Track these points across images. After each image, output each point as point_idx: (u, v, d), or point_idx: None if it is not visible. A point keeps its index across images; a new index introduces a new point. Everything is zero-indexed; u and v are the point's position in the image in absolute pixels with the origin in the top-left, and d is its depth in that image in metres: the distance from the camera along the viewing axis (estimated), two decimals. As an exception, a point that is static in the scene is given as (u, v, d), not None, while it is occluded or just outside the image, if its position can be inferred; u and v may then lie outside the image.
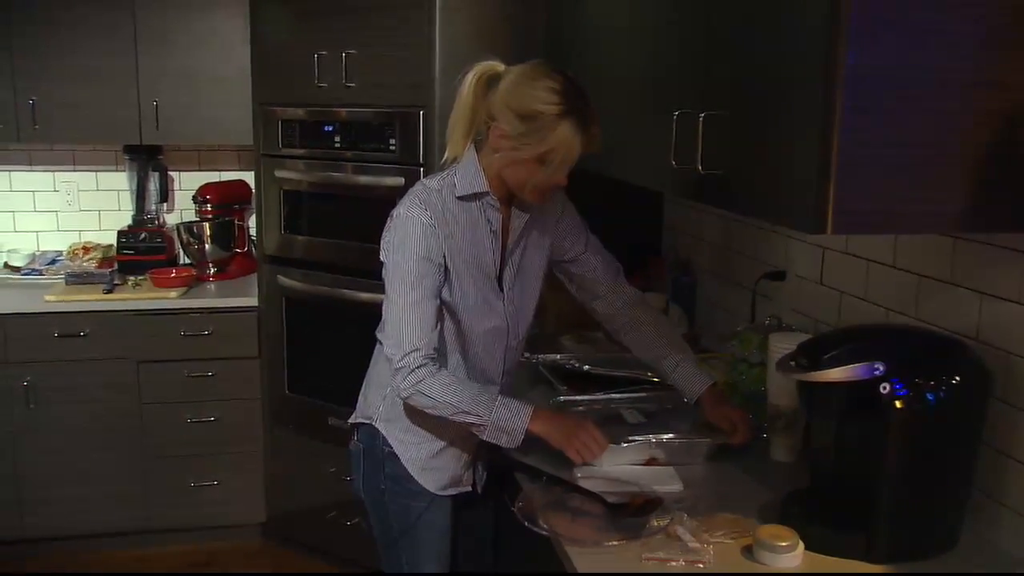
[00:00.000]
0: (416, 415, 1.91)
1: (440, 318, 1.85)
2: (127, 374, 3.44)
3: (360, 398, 2.05)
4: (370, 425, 1.99)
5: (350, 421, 2.07)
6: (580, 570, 1.54)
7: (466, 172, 1.86)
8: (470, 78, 1.82)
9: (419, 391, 1.78)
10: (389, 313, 1.82)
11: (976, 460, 1.59)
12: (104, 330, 3.40)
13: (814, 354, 1.57)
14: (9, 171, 3.87)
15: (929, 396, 1.51)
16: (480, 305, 1.90)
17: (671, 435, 1.96)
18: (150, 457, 3.51)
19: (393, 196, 2.68)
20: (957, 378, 1.53)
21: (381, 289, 1.88)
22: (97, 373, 3.41)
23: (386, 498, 2.00)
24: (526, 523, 1.71)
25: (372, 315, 1.99)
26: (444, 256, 1.83)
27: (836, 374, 1.53)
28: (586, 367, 2.31)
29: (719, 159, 1.63)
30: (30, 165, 3.87)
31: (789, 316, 2.23)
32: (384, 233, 1.86)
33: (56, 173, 3.91)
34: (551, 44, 2.84)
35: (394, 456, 1.96)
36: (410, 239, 1.80)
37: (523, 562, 2.07)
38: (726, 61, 1.63)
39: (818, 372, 1.54)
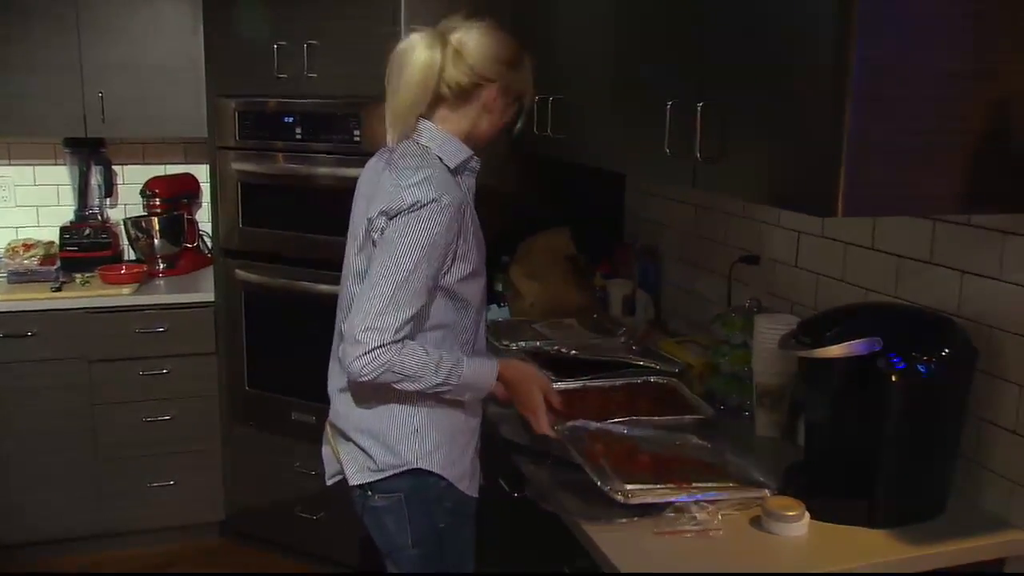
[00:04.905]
0: (454, 432, 1.85)
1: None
2: (79, 374, 3.34)
3: (376, 451, 1.82)
4: (412, 470, 1.82)
5: (366, 481, 1.84)
6: (602, 548, 1.59)
7: (441, 143, 1.82)
8: (436, 45, 1.77)
9: (390, 370, 1.68)
10: (376, 287, 1.68)
11: (963, 427, 1.70)
12: (53, 329, 3.29)
13: (816, 332, 1.65)
14: (-60, 167, 3.71)
15: (921, 369, 1.61)
16: (484, 284, 1.90)
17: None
18: (104, 458, 3.42)
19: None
20: (946, 351, 1.63)
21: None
22: (47, 374, 3.30)
23: (444, 537, 1.87)
24: (539, 503, 1.74)
25: (334, 308, 1.93)
26: (461, 243, 1.77)
27: (838, 350, 1.61)
28: (573, 352, 2.35)
29: (719, 147, 1.69)
30: (-39, 160, 3.72)
31: (764, 299, 2.32)
32: (409, 209, 1.69)
33: (-11, 168, 3.76)
34: (519, 32, 2.86)
35: (451, 486, 1.84)
36: (436, 225, 1.70)
37: (525, 546, 2.11)
38: (727, 50, 1.68)
39: (822, 349, 1.62)
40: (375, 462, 1.83)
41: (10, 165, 3.78)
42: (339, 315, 1.93)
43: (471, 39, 1.80)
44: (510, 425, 2.11)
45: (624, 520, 1.67)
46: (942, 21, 1.40)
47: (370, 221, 1.77)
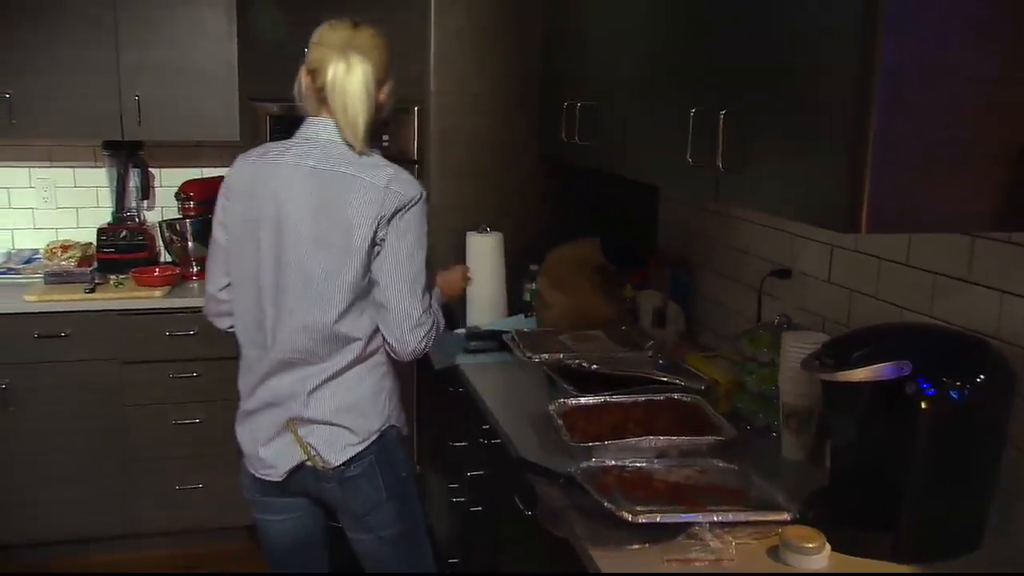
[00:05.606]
0: (399, 389, 2.14)
1: None
2: (110, 375, 3.36)
3: (357, 424, 2.01)
4: (381, 430, 2.05)
5: (348, 457, 2.00)
6: (607, 573, 1.52)
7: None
8: (370, 70, 1.96)
9: (434, 335, 2.03)
10: (411, 276, 1.95)
11: (1001, 458, 1.59)
12: (87, 330, 3.32)
13: (841, 353, 1.56)
14: (-17, 167, 3.77)
15: (954, 395, 1.51)
16: None
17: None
18: (133, 460, 3.44)
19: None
20: (982, 376, 1.53)
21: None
22: (79, 374, 3.33)
23: (406, 483, 2.12)
24: (547, 526, 1.68)
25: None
26: None
27: (863, 374, 1.51)
28: (594, 366, 2.28)
29: (741, 157, 1.62)
30: (4, 161, 3.77)
31: (795, 315, 2.22)
32: (413, 202, 1.95)
33: (32, 169, 3.81)
34: (551, 37, 2.82)
35: (399, 435, 2.11)
36: (426, 213, 2.01)
37: (535, 564, 2.04)
38: (750, 55, 1.61)
39: (846, 372, 1.53)
40: (356, 434, 2.01)
41: (52, 167, 3.83)
42: (291, 314, 1.97)
43: (373, 48, 1.99)
44: (526, 445, 2.05)
45: (636, 546, 1.60)
46: (975, 22, 1.31)
47: (376, 222, 1.91)
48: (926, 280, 1.83)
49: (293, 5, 3.12)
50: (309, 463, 2.02)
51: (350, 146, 1.95)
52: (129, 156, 3.72)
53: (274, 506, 2.13)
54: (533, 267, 2.90)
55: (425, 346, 2.00)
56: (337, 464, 2.00)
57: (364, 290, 1.96)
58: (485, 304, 2.87)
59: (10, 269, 3.62)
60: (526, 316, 2.90)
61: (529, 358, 2.44)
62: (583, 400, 2.16)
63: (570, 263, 2.81)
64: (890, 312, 1.94)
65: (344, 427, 2.00)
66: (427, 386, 2.91)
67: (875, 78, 1.29)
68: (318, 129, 1.99)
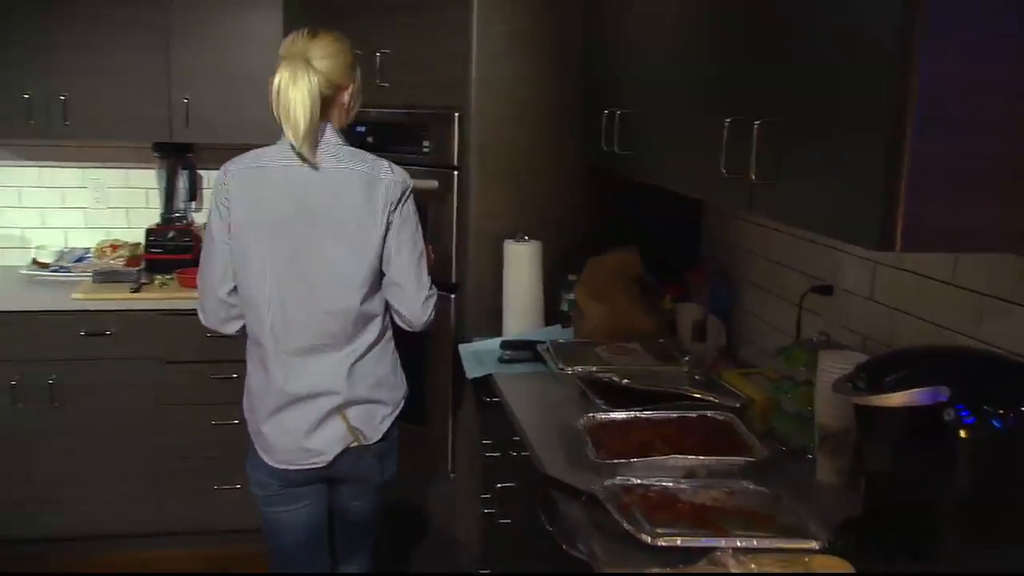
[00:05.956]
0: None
1: None
2: (152, 374, 3.41)
3: (387, 395, 2.20)
4: (403, 398, 2.27)
5: (388, 426, 2.21)
6: (622, 598, 1.47)
7: (343, 138, 2.16)
8: (316, 79, 2.03)
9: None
10: (420, 259, 2.15)
11: (1045, 492, 1.50)
12: (130, 330, 3.36)
13: (875, 376, 1.48)
14: (39, 167, 3.85)
15: (996, 423, 1.42)
16: None
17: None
18: (173, 459, 3.47)
19: (424, 199, 2.64)
20: (1027, 405, 1.45)
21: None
22: (122, 373, 3.38)
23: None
24: (564, 546, 1.64)
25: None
26: None
27: (898, 399, 1.44)
28: (624, 381, 2.23)
29: (774, 169, 1.56)
30: (60, 161, 3.85)
31: (836, 332, 2.14)
32: (403, 197, 2.12)
33: (85, 170, 3.89)
34: (590, 44, 2.77)
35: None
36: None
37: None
38: (785, 66, 1.55)
39: (879, 396, 1.45)
40: (388, 406, 2.20)
41: (105, 168, 3.91)
42: (315, 304, 2.09)
43: (326, 56, 2.07)
44: (553, 459, 2.01)
45: (655, 570, 1.54)
46: (1015, 35, 1.24)
47: (387, 210, 2.09)
48: (972, 301, 1.75)
49: (338, 10, 3.13)
50: (355, 443, 2.15)
51: (295, 149, 2.06)
52: (179, 158, 3.77)
53: (291, 496, 2.23)
54: (571, 277, 2.85)
55: (433, 316, 2.19)
56: (377, 439, 2.18)
57: (380, 272, 2.13)
58: (521, 313, 2.83)
59: (62, 267, 3.69)
60: (563, 327, 2.86)
61: (562, 370, 2.40)
62: (612, 415, 2.11)
63: (609, 273, 2.76)
64: (934, 333, 1.85)
65: (380, 402, 2.18)
66: (463, 394, 2.89)
67: (912, 90, 1.23)
68: None
